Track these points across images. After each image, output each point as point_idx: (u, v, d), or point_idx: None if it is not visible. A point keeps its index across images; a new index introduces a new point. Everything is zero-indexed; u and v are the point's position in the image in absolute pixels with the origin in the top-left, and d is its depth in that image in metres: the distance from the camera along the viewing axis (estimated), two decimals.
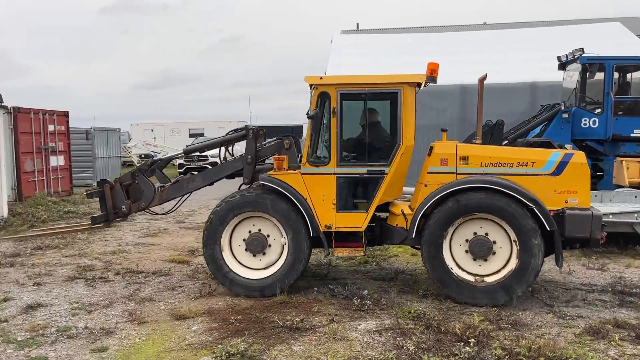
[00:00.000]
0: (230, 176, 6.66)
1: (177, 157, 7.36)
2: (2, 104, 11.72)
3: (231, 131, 6.84)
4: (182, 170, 24.12)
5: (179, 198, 6.82)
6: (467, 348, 4.43)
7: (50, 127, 16.53)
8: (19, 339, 4.90)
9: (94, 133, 20.87)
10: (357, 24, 22.75)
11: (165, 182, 6.79)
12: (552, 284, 6.59)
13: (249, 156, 6.37)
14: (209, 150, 7.17)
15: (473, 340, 4.56)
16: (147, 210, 6.82)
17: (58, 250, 8.72)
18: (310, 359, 4.45)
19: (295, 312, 5.47)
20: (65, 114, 17.47)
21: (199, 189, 6.75)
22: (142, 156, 32.08)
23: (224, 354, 4.44)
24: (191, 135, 34.36)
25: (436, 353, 4.42)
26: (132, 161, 31.30)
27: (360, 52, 17.37)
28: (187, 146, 7.36)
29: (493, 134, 12.20)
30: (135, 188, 6.74)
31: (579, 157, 5.73)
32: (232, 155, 6.83)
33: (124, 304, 5.84)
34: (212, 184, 6.74)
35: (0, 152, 11.63)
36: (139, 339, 4.93)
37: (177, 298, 6.10)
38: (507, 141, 12.17)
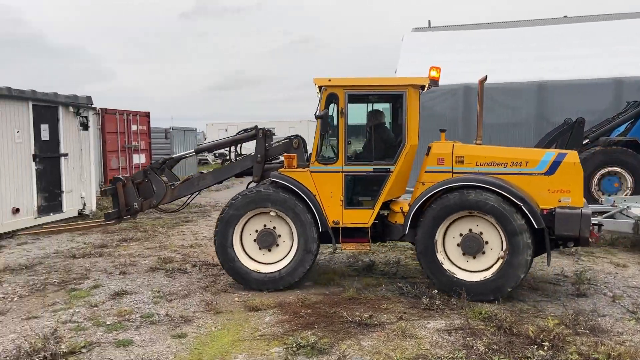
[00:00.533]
0: (239, 175, 6.95)
1: (187, 156, 7.53)
2: (92, 106, 12.56)
3: (241, 131, 7.01)
4: None
5: (189, 195, 7.06)
6: (541, 351, 4.32)
7: (133, 127, 17.55)
8: (108, 323, 5.29)
9: (173, 132, 21.93)
10: (429, 21, 22.38)
11: (174, 180, 7.00)
12: (636, 290, 6.25)
13: (259, 155, 6.60)
14: (219, 149, 7.52)
15: (547, 343, 4.44)
16: (156, 208, 7.08)
17: (140, 243, 9.27)
18: (379, 354, 4.51)
19: (363, 309, 5.54)
20: (147, 115, 18.47)
21: (209, 186, 7.16)
22: (217, 155, 33.27)
23: (294, 345, 4.58)
24: None
25: (507, 355, 4.34)
26: (207, 160, 32.55)
27: (431, 50, 17.11)
28: (198, 145, 7.75)
29: (572, 133, 11.68)
30: (145, 186, 6.94)
31: (572, 157, 5.84)
32: (241, 154, 7.00)
33: (201, 295, 6.15)
34: (221, 182, 7.12)
35: (90, 151, 12.53)
36: (215, 327, 5.18)
37: (250, 291, 6.34)
38: (587, 140, 11.63)
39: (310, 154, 6.36)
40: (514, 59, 15.76)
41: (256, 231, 6.30)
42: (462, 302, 5.50)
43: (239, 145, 7.03)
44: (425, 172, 6.08)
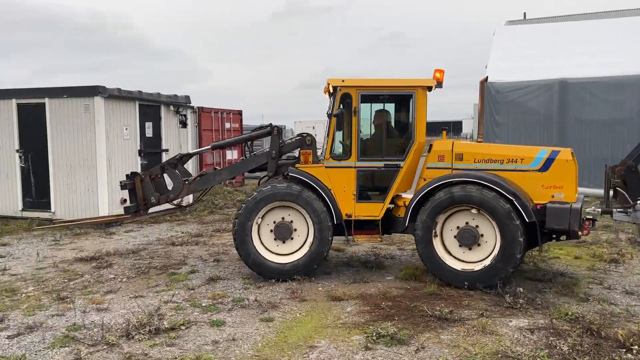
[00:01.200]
0: (254, 170, 7.24)
1: (204, 152, 7.96)
2: (190, 105, 13.42)
3: (256, 128, 7.31)
4: None
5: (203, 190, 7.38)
6: (629, 355, 4.18)
7: (227, 125, 18.48)
8: (203, 305, 5.76)
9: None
10: (524, 14, 21.49)
11: (187, 175, 7.23)
12: None
13: (274, 151, 6.87)
14: (235, 145, 7.88)
15: (637, 347, 4.28)
16: (172, 203, 7.34)
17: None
18: (458, 348, 4.57)
19: (444, 304, 5.59)
20: (239, 113, 19.36)
21: (225, 181, 7.29)
22: None
23: (374, 334, 4.76)
24: None
25: (593, 357, 4.24)
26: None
27: (523, 44, 16.48)
28: (214, 142, 7.76)
29: None
30: (158, 181, 7.18)
31: (566, 154, 6.08)
32: (253, 151, 7.20)
33: (288, 283, 6.48)
34: (234, 178, 7.49)
35: (188, 147, 13.41)
36: (300, 314, 5.48)
37: (333, 282, 6.59)
38: None
39: (325, 150, 6.73)
40: (615, 51, 14.80)
41: (274, 222, 6.58)
42: (547, 302, 5.39)
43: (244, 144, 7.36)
44: (427, 168, 6.44)
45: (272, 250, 6.61)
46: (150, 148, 12.02)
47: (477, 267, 6.05)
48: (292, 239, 6.59)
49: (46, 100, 10.96)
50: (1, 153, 11.36)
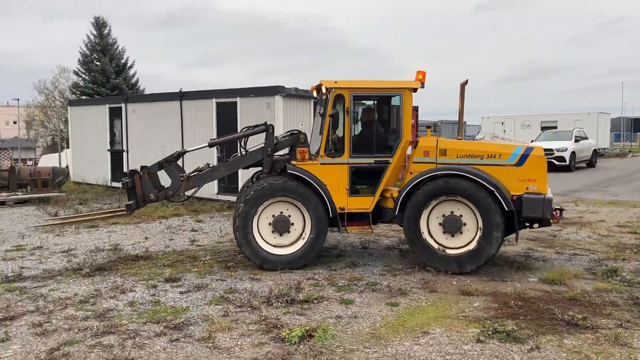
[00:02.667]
0: (249, 166, 7.44)
1: (201, 148, 8.00)
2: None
3: (251, 126, 7.53)
4: None
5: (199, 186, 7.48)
6: None
7: None
8: (339, 284, 6.30)
9: (441, 126, 22.65)
10: None
11: (180, 171, 7.31)
12: None
13: (269, 149, 7.12)
14: (230, 142, 7.75)
15: None
16: (170, 199, 7.44)
17: (388, 225, 10.24)
18: (578, 354, 4.35)
19: (580, 310, 5.26)
20: (415, 109, 19.50)
21: (222, 177, 7.55)
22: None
23: (491, 329, 4.77)
24: (542, 129, 33.07)
25: None
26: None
27: None
28: (211, 139, 7.70)
29: None
30: (154, 178, 7.30)
31: (538, 151, 6.73)
32: (245, 148, 7.35)
33: (423, 274, 6.68)
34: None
35: None
36: (425, 303, 5.68)
37: (470, 277, 6.58)
38: None
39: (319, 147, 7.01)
40: None
41: (272, 216, 6.90)
42: None
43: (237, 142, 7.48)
44: (413, 162, 6.88)
45: (271, 243, 6.93)
46: None
47: (462, 251, 6.61)
48: (289, 232, 6.93)
49: (237, 99, 12.67)
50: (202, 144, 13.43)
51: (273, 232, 6.94)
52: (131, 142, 15.35)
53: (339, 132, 7.08)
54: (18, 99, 44.27)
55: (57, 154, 20.70)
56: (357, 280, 6.44)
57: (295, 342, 4.56)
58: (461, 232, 6.64)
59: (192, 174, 7.39)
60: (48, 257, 7.84)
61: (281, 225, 6.90)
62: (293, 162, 7.04)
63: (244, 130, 7.59)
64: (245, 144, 7.44)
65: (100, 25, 35.90)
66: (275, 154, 7.30)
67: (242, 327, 4.96)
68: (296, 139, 7.33)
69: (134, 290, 6.07)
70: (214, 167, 7.57)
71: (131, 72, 36.67)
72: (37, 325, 4.95)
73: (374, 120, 7.26)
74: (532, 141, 25.43)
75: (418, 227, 6.68)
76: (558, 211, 6.77)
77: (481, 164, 6.70)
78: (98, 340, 4.62)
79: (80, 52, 35.58)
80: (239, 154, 7.42)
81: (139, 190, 7.16)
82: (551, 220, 6.56)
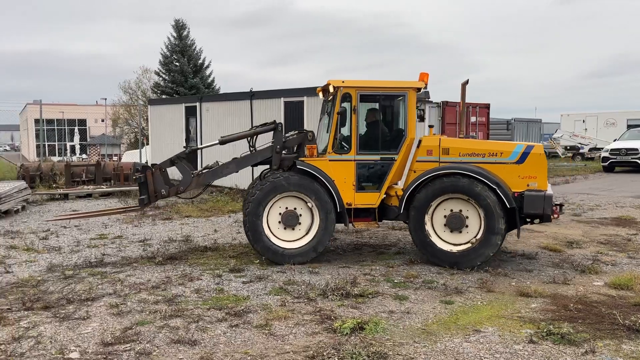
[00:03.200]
0: (258, 164, 7.60)
1: (212, 146, 8.16)
2: (428, 99, 14.03)
3: (261, 125, 7.73)
4: (606, 163, 22.47)
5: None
6: None
7: (472, 119, 18.48)
8: (395, 281, 6.41)
9: (514, 124, 21.93)
10: None
11: (192, 168, 7.53)
12: None
13: (278, 146, 7.33)
14: (240, 139, 7.73)
15: None
16: (179, 195, 7.56)
17: None
18: (635, 359, 4.23)
19: None
20: (487, 107, 19.07)
21: (231, 174, 7.71)
22: (568, 148, 31.21)
23: (545, 330, 4.72)
24: (629, 126, 31.17)
25: None
26: (556, 152, 30.91)
27: None
28: (222, 137, 7.67)
29: None
30: (165, 175, 7.47)
31: (539, 149, 6.92)
32: (254, 146, 7.58)
33: (481, 274, 6.64)
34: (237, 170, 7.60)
35: None
36: (481, 302, 5.67)
37: (530, 279, 6.48)
38: None
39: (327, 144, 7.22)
40: None
41: (279, 212, 7.08)
42: None
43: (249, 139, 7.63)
44: (417, 161, 7.07)
45: (281, 237, 7.10)
46: None
47: (465, 247, 6.81)
48: (297, 226, 7.12)
49: (304, 98, 12.99)
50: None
51: (283, 227, 7.13)
52: (205, 139, 16.10)
53: (346, 130, 7.31)
54: (105, 99, 47.41)
55: (138, 150, 22.02)
56: (413, 278, 6.51)
57: (347, 333, 4.73)
58: (464, 229, 6.85)
59: (202, 171, 7.63)
60: (127, 245, 8.48)
61: (290, 220, 7.10)
62: (302, 158, 7.25)
63: (254, 128, 7.83)
64: (254, 142, 7.66)
65: (179, 27, 37.65)
66: (283, 151, 7.51)
67: (297, 316, 5.20)
68: (304, 137, 7.47)
69: (201, 279, 6.48)
70: (224, 164, 7.67)
71: (207, 72, 38.18)
72: (114, 307, 5.44)
73: (379, 119, 7.46)
74: (614, 140, 24.06)
75: (423, 224, 6.87)
76: (558, 207, 6.94)
77: (483, 162, 6.91)
78: (166, 322, 5.02)
79: (161, 54, 37.51)
80: (249, 152, 7.63)
81: (151, 186, 7.33)
82: (552, 216, 6.73)
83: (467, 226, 6.83)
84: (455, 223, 6.82)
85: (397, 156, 7.23)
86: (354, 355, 4.21)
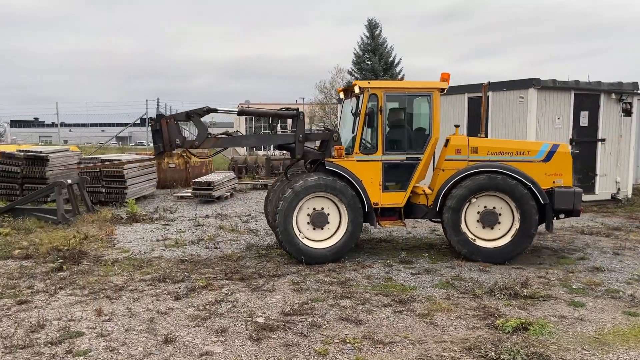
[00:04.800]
0: (280, 147, 7.50)
1: (231, 112, 7.74)
2: (637, 91, 12.50)
3: (284, 108, 7.51)
4: None
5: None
6: None
7: None
8: (573, 287, 6.05)
9: None
10: None
11: (205, 129, 7.26)
12: None
13: (301, 135, 7.19)
14: (259, 115, 7.61)
15: None
16: (189, 150, 7.41)
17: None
18: None
19: None
20: None
21: (250, 146, 7.01)
22: None
23: None
24: None
25: None
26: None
27: None
28: (241, 106, 7.06)
29: None
30: (178, 128, 7.25)
31: (564, 147, 7.33)
32: (275, 130, 7.57)
33: None
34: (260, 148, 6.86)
35: (631, 137, 12.61)
36: None
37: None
38: None
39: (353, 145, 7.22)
40: None
41: (308, 213, 7.07)
42: None
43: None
44: (445, 160, 7.22)
45: (310, 237, 7.11)
46: (584, 137, 12.04)
47: (500, 243, 7.00)
48: (326, 226, 7.11)
49: (489, 93, 12.59)
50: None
51: (314, 228, 7.12)
52: None
53: (373, 131, 7.33)
54: (303, 98, 51.25)
55: None
56: (595, 285, 6.07)
57: (509, 331, 4.71)
58: (497, 225, 7.02)
59: (222, 134, 7.54)
60: None
61: (319, 220, 7.10)
62: (329, 159, 7.23)
63: (276, 110, 7.69)
64: (276, 125, 7.63)
65: (372, 26, 38.99)
66: (306, 143, 7.45)
67: (460, 310, 5.31)
68: (329, 136, 7.42)
69: (372, 267, 6.92)
70: (245, 135, 7.78)
71: (397, 69, 38.90)
72: (295, 284, 6.17)
73: (405, 119, 7.52)
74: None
75: (460, 221, 6.98)
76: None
77: (511, 160, 7.10)
78: (337, 301, 5.56)
79: (354, 53, 39.29)
80: (270, 132, 7.65)
81: (166, 134, 7.13)
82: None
83: (499, 222, 7.02)
84: (489, 219, 6.99)
85: (422, 156, 7.29)
86: (511, 353, 4.21)
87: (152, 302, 5.57)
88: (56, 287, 6.06)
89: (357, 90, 7.31)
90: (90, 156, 14.25)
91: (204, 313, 5.23)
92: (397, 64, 38.96)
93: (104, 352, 4.37)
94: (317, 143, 8.02)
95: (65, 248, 7.69)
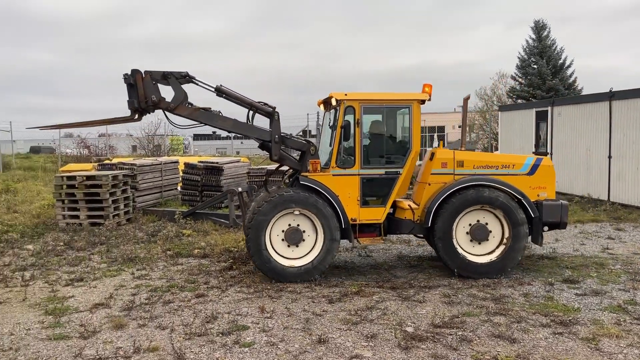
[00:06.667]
0: (261, 147, 7.18)
1: (209, 89, 7.00)
2: None
3: (262, 102, 7.06)
4: None
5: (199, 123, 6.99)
6: None
7: None
8: None
9: None
10: None
11: (181, 94, 6.78)
12: None
13: (277, 136, 6.90)
14: (235, 99, 7.06)
15: None
16: (166, 114, 6.90)
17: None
18: None
19: None
20: None
21: (225, 129, 7.32)
22: None
23: None
24: None
25: None
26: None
27: None
28: (221, 85, 6.98)
29: None
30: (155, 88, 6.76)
31: (547, 161, 7.27)
32: (252, 123, 7.08)
33: None
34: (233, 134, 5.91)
35: None
36: None
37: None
38: None
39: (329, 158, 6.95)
40: None
41: (282, 231, 6.77)
42: None
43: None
44: (431, 174, 7.09)
45: (284, 255, 6.79)
46: None
47: (491, 257, 6.85)
48: (301, 243, 6.79)
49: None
50: (636, 147, 12.30)
51: (286, 244, 6.81)
52: (555, 145, 15.45)
53: (350, 144, 6.94)
54: (461, 106, 49.81)
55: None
56: None
57: None
58: (487, 240, 6.87)
59: (201, 109, 6.97)
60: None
61: (294, 237, 6.79)
62: (304, 173, 6.93)
63: (254, 101, 7.07)
64: (252, 117, 7.08)
65: (539, 28, 36.50)
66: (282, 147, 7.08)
67: (632, 338, 4.81)
68: (307, 147, 7.08)
69: (531, 284, 6.55)
70: (224, 117, 7.02)
71: (568, 72, 35.88)
72: (446, 296, 6.11)
73: (383, 132, 7.20)
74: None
75: (451, 236, 6.77)
76: None
77: (497, 174, 7.03)
78: (489, 317, 5.39)
79: (519, 57, 37.11)
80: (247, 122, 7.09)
81: (141, 89, 6.75)
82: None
83: (489, 238, 6.87)
84: (480, 234, 6.84)
85: (402, 170, 7.01)
86: None
87: (309, 303, 5.95)
88: (227, 284, 6.77)
89: (333, 102, 7.04)
90: (258, 166, 15.55)
91: (355, 318, 5.44)
92: (568, 66, 35.90)
93: (265, 346, 4.80)
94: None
95: (235, 250, 8.54)
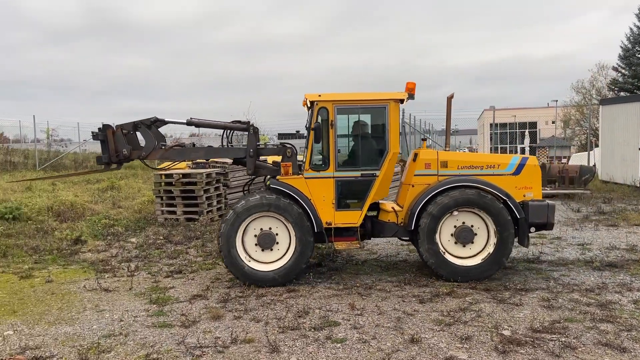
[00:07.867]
0: (235, 162, 7.32)
1: (179, 124, 7.05)
2: None
3: (235, 121, 7.10)
4: None
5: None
6: None
7: None
8: None
9: None
10: None
11: (161, 140, 6.99)
12: None
13: (252, 150, 6.90)
14: (209, 127, 7.32)
15: None
16: (142, 161, 7.06)
17: None
18: None
19: None
20: None
21: (199, 160, 7.53)
22: None
23: None
24: None
25: None
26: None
27: None
28: (191, 118, 7.08)
29: None
30: (132, 137, 6.92)
31: (533, 160, 7.00)
32: (231, 143, 7.19)
33: None
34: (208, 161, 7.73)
35: None
36: None
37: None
38: None
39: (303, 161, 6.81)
40: None
41: (255, 236, 6.66)
42: None
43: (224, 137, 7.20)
44: (415, 175, 6.88)
45: (257, 259, 6.68)
46: None
47: (475, 261, 6.62)
48: (274, 247, 6.68)
49: None
50: None
51: (263, 249, 6.68)
52: None
53: (324, 146, 6.79)
54: (556, 100, 47.21)
55: (587, 152, 21.18)
56: None
57: None
58: (471, 242, 6.63)
59: (174, 146, 7.14)
60: (565, 247, 8.63)
61: (266, 241, 6.66)
62: (277, 177, 6.83)
63: (227, 122, 7.13)
64: (229, 138, 7.19)
65: None
66: (260, 158, 7.14)
67: None
68: (282, 152, 6.95)
69: None
70: (195, 147, 7.21)
71: None
72: (545, 300, 5.81)
73: (359, 133, 6.90)
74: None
75: (435, 239, 6.59)
76: None
77: (482, 174, 6.81)
78: (595, 324, 5.06)
79: (622, 47, 34.57)
80: (222, 145, 7.20)
81: (112, 144, 6.85)
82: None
83: (473, 241, 6.65)
84: (466, 236, 6.61)
85: (378, 172, 6.75)
86: None
87: (399, 302, 5.90)
88: (316, 280, 6.87)
89: (308, 103, 6.89)
90: None
91: (448, 319, 5.32)
92: None
93: (358, 342, 4.81)
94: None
95: (323, 247, 8.64)
